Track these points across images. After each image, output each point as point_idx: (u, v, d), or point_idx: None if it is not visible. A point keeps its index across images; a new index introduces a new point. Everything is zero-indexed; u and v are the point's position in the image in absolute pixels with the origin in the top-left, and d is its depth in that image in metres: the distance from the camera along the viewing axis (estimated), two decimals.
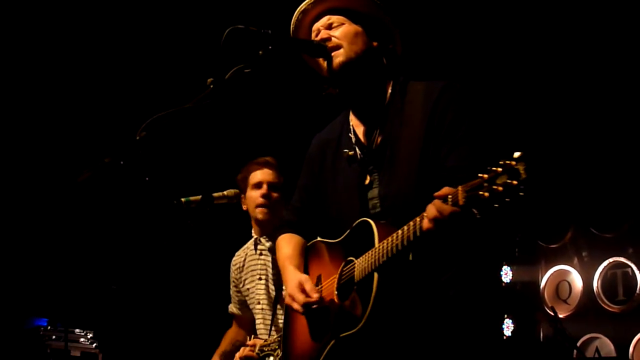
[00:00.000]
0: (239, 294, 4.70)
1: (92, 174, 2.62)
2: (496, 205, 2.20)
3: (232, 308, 4.80)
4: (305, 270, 3.12)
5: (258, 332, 4.43)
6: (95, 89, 6.61)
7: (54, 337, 6.40)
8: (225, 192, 4.35)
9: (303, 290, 2.90)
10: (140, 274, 6.80)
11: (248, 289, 4.57)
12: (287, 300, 2.98)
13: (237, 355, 4.22)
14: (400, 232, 2.56)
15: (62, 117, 6.62)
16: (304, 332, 3.04)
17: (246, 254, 4.65)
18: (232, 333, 4.79)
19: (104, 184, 2.66)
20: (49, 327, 6.43)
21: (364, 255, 2.74)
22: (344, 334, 2.71)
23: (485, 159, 2.31)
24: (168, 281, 6.51)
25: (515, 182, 2.15)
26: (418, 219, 2.47)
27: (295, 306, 2.90)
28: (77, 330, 6.52)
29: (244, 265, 4.65)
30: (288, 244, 3.23)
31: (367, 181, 2.92)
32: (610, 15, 6.08)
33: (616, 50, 6.33)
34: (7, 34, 6.23)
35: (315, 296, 2.86)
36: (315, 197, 3.20)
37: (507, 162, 2.17)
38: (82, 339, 6.49)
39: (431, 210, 2.40)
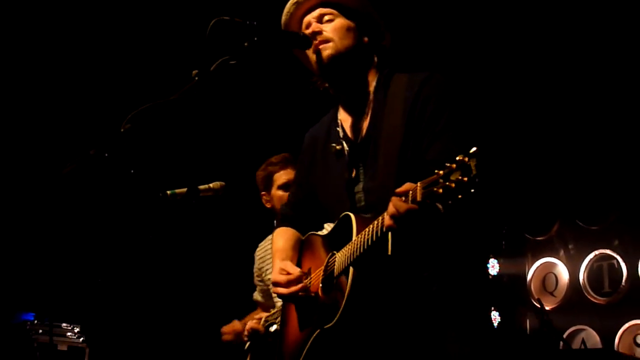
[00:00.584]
0: (261, 284, 4.77)
1: (76, 166, 2.60)
2: (450, 202, 2.20)
3: (257, 296, 4.89)
4: (299, 264, 3.13)
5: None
6: (81, 81, 6.57)
7: (40, 331, 6.39)
8: (211, 185, 4.34)
9: (285, 272, 2.93)
10: (126, 267, 6.78)
11: (270, 279, 4.61)
12: (273, 288, 2.99)
13: (247, 326, 4.32)
14: (371, 226, 2.58)
15: (48, 109, 6.58)
16: (294, 323, 3.05)
17: (270, 246, 4.69)
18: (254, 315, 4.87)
19: (89, 176, 2.64)
20: (35, 322, 6.41)
21: (343, 249, 2.76)
22: (325, 326, 2.72)
23: (464, 152, 2.33)
24: (155, 275, 6.49)
25: (465, 179, 2.15)
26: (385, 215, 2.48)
27: (280, 290, 2.93)
28: (64, 324, 6.50)
29: (268, 258, 4.69)
30: (281, 238, 3.24)
31: (354, 175, 2.92)
32: (598, 9, 6.09)
33: (602, 43, 6.35)
34: None
35: (295, 272, 2.90)
36: (309, 192, 3.22)
37: (461, 157, 2.17)
38: (68, 333, 6.48)
39: (390, 207, 2.41)
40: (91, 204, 5.86)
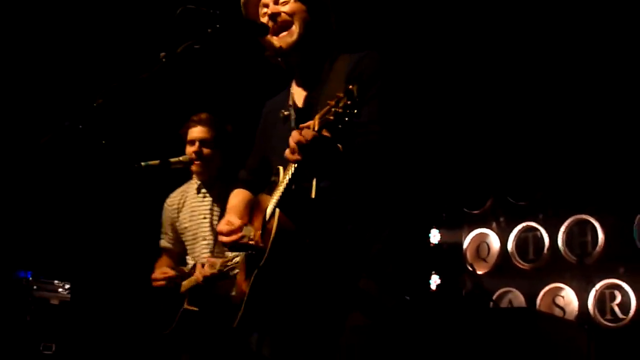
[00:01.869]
0: (174, 231, 4.63)
1: (53, 136, 2.54)
2: (340, 126, 2.23)
3: (165, 243, 4.69)
4: (250, 221, 3.03)
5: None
6: (56, 60, 6.43)
7: (35, 287, 6.32)
8: (181, 158, 4.30)
9: (229, 223, 2.86)
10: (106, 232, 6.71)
11: (186, 227, 4.50)
12: (219, 237, 2.90)
13: (198, 274, 4.10)
14: (289, 167, 2.56)
15: (25, 85, 6.44)
16: (242, 272, 3.00)
17: (184, 197, 4.57)
18: (164, 263, 4.73)
19: (65, 145, 2.57)
20: (31, 279, 6.34)
21: (273, 195, 2.73)
22: (259, 265, 2.65)
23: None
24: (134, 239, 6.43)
25: (349, 102, 2.18)
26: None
27: (223, 239, 2.84)
28: (56, 281, 6.43)
29: (182, 206, 4.57)
30: (235, 197, 3.18)
31: None
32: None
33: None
34: None
35: (237, 223, 2.82)
36: (263, 157, 3.15)
37: (349, 86, 2.21)
38: (60, 289, 6.41)
39: (292, 136, 2.39)
40: (68, 171, 5.76)
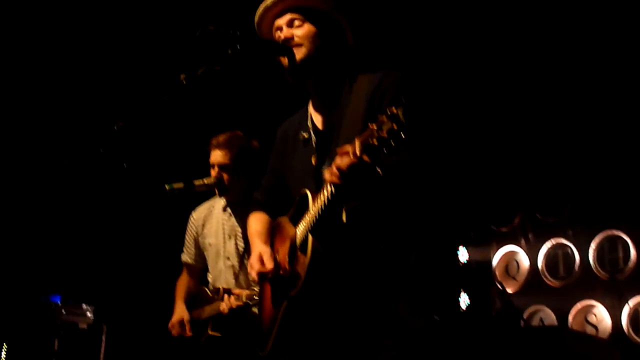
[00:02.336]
0: (196, 246, 4.60)
1: (74, 160, 2.53)
2: (385, 151, 2.14)
3: (186, 258, 4.67)
4: (271, 247, 3.03)
5: (227, 284, 4.33)
6: (78, 84, 6.49)
7: (63, 311, 6.34)
8: (205, 180, 4.28)
9: (261, 261, 2.83)
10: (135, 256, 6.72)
11: (210, 244, 4.48)
12: (248, 269, 2.91)
13: (224, 305, 4.07)
14: (322, 192, 2.50)
15: (48, 111, 6.51)
16: (268, 300, 2.97)
17: (210, 212, 4.55)
18: (185, 281, 4.70)
19: (86, 168, 2.57)
20: (59, 303, 6.36)
21: (302, 221, 2.69)
22: (290, 294, 2.63)
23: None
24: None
25: (395, 127, 2.08)
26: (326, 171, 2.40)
27: (253, 274, 2.85)
28: (84, 305, 6.45)
29: (207, 222, 4.54)
30: (257, 222, 3.17)
31: (317, 161, 2.85)
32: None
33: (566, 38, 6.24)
34: None
35: (269, 266, 2.79)
36: (280, 179, 3.15)
37: (391, 108, 2.11)
38: (88, 313, 6.43)
39: (334, 161, 2.32)
40: (90, 194, 5.79)
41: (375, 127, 2.14)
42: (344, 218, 2.49)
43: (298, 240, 2.71)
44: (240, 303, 3.97)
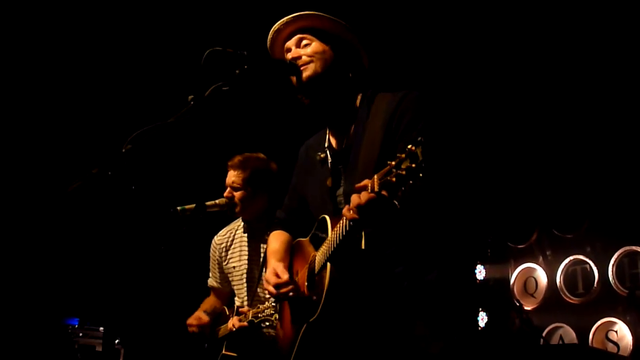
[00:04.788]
0: (220, 270, 4.58)
1: (81, 184, 2.50)
2: (403, 189, 2.14)
3: (212, 282, 4.67)
4: (290, 266, 3.03)
5: (245, 305, 4.31)
6: (85, 105, 6.52)
7: (80, 334, 6.34)
8: (217, 201, 4.27)
9: (276, 275, 2.82)
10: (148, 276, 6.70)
11: (234, 267, 4.45)
12: (264, 285, 2.90)
13: (230, 324, 4.08)
14: (341, 222, 2.48)
15: (55, 132, 6.53)
16: (287, 321, 2.96)
17: (233, 235, 4.51)
18: (212, 300, 4.68)
19: (94, 192, 2.53)
20: (77, 326, 6.36)
21: (321, 247, 2.67)
22: (310, 320, 2.62)
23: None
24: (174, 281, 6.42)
25: (414, 165, 2.07)
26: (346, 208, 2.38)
27: (269, 288, 2.83)
28: (101, 328, 6.44)
29: (230, 245, 4.51)
30: (276, 240, 3.15)
31: (334, 181, 2.84)
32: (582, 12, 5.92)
33: (584, 54, 6.17)
34: None
35: (284, 276, 2.79)
36: (300, 198, 3.14)
37: (409, 146, 2.09)
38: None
39: (352, 198, 2.31)
40: (99, 217, 5.79)
41: (394, 164, 2.14)
42: (362, 245, 2.48)
43: (317, 266, 2.70)
44: (244, 324, 3.96)
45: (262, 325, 3.89)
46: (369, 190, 2.24)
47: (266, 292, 3.03)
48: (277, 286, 2.81)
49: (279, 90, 3.18)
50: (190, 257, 4.74)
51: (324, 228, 2.70)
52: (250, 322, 3.93)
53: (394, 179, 2.13)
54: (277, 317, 3.55)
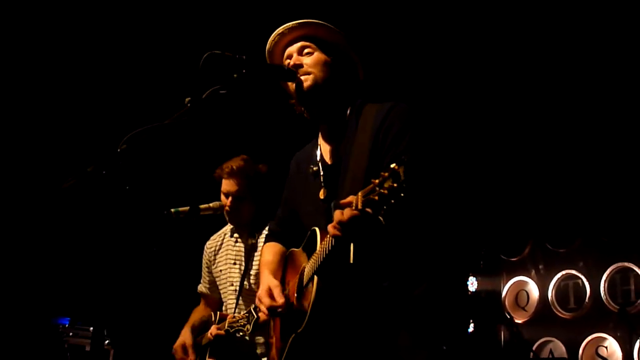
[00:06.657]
0: (210, 275, 4.54)
1: (75, 182, 2.48)
2: (385, 207, 2.12)
3: (202, 288, 4.62)
4: (283, 277, 3.01)
5: (229, 310, 4.29)
6: (81, 104, 6.50)
7: (71, 334, 6.31)
8: (211, 204, 4.24)
9: (271, 295, 2.79)
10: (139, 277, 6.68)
11: (221, 270, 4.42)
12: (257, 302, 2.87)
13: (209, 333, 4.06)
14: (327, 238, 2.48)
15: (50, 130, 6.52)
16: (278, 331, 2.95)
17: (222, 239, 4.50)
18: (201, 310, 4.65)
19: (88, 191, 2.52)
20: (67, 326, 6.33)
21: (310, 260, 2.67)
22: (297, 331, 2.61)
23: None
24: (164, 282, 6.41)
25: (395, 185, 2.06)
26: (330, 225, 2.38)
27: (262, 308, 2.80)
28: (91, 328, 6.40)
29: (219, 249, 4.48)
30: (269, 252, 3.13)
31: (326, 194, 2.82)
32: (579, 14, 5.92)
33: (580, 68, 6.18)
34: None
35: (280, 301, 2.75)
36: (292, 210, 3.11)
37: (392, 165, 2.09)
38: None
39: (335, 215, 2.32)
40: (92, 216, 5.77)
41: (377, 182, 2.14)
42: (351, 259, 2.45)
43: (305, 278, 2.70)
44: (221, 332, 3.95)
45: (237, 335, 3.88)
46: (353, 207, 2.25)
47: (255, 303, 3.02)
48: (270, 308, 2.78)
49: (276, 96, 3.16)
50: (182, 259, 4.72)
51: (314, 241, 2.70)
52: (226, 331, 3.92)
53: (376, 197, 2.13)
54: (249, 328, 3.73)
